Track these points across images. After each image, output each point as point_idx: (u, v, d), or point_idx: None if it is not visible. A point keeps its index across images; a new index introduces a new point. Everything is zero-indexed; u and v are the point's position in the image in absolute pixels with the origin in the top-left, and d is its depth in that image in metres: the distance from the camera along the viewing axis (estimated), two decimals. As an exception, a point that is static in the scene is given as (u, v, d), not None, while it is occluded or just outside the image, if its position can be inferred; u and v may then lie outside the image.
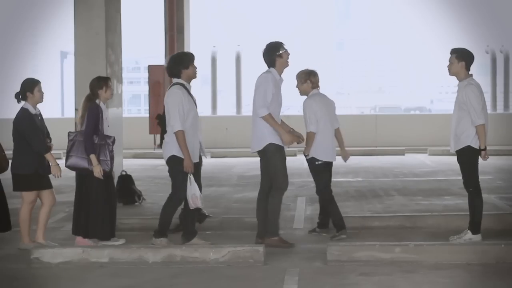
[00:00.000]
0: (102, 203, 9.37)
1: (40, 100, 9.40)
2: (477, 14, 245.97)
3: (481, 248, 8.54)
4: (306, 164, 10.01)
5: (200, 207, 9.24)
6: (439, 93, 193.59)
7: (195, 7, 24.48)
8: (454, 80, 9.53)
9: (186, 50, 21.50)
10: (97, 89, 9.45)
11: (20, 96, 9.38)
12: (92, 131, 9.25)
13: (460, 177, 9.47)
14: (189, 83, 9.37)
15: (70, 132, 9.52)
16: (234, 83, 28.83)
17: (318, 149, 9.84)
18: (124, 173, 13.35)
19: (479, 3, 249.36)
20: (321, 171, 9.86)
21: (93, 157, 9.23)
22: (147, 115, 22.49)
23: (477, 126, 9.18)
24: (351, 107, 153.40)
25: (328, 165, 9.88)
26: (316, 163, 9.83)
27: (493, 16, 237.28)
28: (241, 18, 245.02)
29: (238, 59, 29.21)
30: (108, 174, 9.40)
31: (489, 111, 29.94)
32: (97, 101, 9.41)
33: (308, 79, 10.06)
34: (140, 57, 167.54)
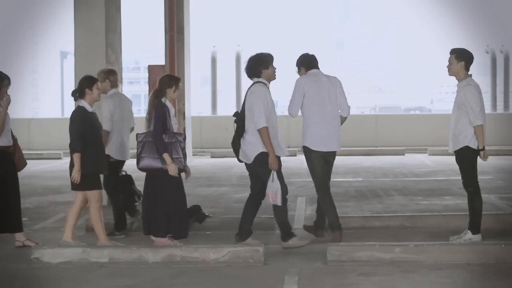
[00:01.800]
0: (176, 201, 9.30)
1: (98, 98, 9.34)
2: (477, 14, 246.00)
3: (481, 248, 8.54)
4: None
5: (279, 204, 9.24)
6: (439, 93, 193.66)
7: (195, 7, 24.49)
8: (454, 80, 9.53)
9: (186, 50, 21.50)
10: (166, 87, 9.32)
11: (77, 94, 9.28)
12: (161, 131, 9.14)
13: (460, 177, 9.48)
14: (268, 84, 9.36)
15: (138, 134, 9.35)
16: (234, 83, 28.84)
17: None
18: (124, 173, 13.32)
19: (479, 3, 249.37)
20: None
21: (166, 156, 9.12)
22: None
23: (475, 126, 9.18)
24: (351, 107, 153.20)
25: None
26: None
27: (493, 16, 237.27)
28: (241, 18, 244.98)
29: (238, 59, 29.22)
30: (182, 172, 9.32)
31: (489, 111, 29.91)
32: (163, 99, 9.31)
33: (107, 78, 10.25)
34: (140, 57, 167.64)
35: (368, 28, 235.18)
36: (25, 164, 9.71)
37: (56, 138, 23.56)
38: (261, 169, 9.25)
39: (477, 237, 9.27)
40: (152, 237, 9.31)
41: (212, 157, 23.30)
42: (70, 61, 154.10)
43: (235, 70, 29.04)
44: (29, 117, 23.59)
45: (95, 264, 8.51)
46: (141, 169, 9.32)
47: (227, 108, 44.30)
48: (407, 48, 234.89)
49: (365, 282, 7.71)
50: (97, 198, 9.28)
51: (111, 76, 10.45)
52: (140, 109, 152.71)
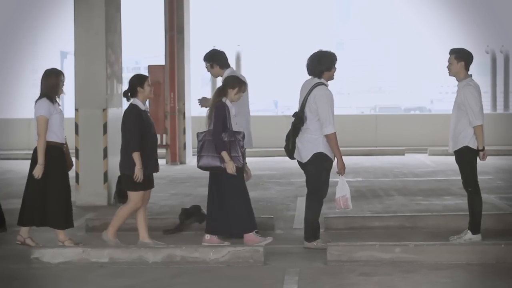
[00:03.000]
0: (239, 199, 9.28)
1: (150, 95, 9.29)
2: (477, 14, 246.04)
3: (481, 248, 8.54)
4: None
5: (350, 208, 9.29)
6: (439, 93, 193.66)
7: (195, 7, 24.48)
8: (454, 80, 9.53)
9: (186, 50, 21.50)
10: (228, 87, 9.32)
11: (129, 93, 9.23)
12: (220, 129, 9.13)
13: (460, 177, 9.48)
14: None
15: (198, 132, 9.35)
16: (234, 83, 28.80)
17: None
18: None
19: (479, 3, 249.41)
20: None
21: (224, 154, 9.10)
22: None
23: (475, 127, 9.18)
24: (351, 107, 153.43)
25: None
26: None
27: (493, 16, 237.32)
28: (241, 18, 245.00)
29: (238, 59, 29.20)
30: (241, 170, 9.30)
31: (489, 111, 29.89)
32: (223, 99, 9.30)
33: None
34: (140, 57, 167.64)
35: (368, 28, 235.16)
36: (71, 165, 9.59)
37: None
38: (312, 168, 9.22)
39: (477, 237, 9.28)
40: (206, 236, 9.29)
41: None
42: (70, 61, 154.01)
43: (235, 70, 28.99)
44: (29, 117, 23.62)
45: (95, 264, 8.51)
46: (201, 167, 9.31)
47: (227, 108, 44.24)
48: (407, 48, 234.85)
49: (365, 282, 7.71)
50: (137, 200, 9.19)
51: None
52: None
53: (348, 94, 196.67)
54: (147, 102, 9.49)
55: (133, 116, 9.12)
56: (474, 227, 9.32)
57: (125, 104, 9.35)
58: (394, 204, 12.73)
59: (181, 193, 14.33)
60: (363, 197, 13.64)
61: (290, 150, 9.33)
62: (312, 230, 9.24)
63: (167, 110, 21.13)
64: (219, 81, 9.82)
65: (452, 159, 9.63)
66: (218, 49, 10.23)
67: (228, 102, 9.28)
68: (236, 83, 9.35)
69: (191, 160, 21.53)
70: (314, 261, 8.56)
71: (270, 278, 7.92)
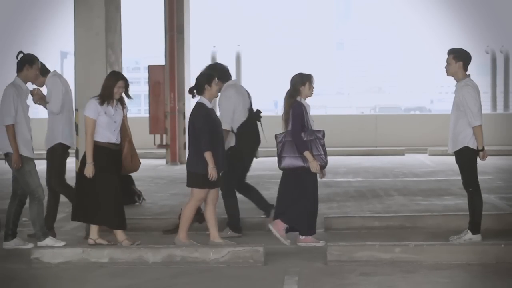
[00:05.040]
0: (313, 199, 9.31)
1: (217, 94, 9.31)
2: (477, 14, 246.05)
3: (481, 248, 8.54)
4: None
5: None
6: (439, 93, 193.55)
7: (195, 7, 24.47)
8: (454, 80, 9.53)
9: (186, 50, 21.52)
10: (299, 86, 9.32)
11: (195, 91, 9.26)
12: (299, 129, 9.15)
13: (460, 177, 9.48)
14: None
15: (277, 134, 9.39)
16: (234, 83, 28.83)
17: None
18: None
19: (479, 3, 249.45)
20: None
21: (307, 153, 9.13)
22: (147, 115, 22.46)
23: (474, 127, 9.18)
24: (351, 107, 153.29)
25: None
26: None
27: (493, 16, 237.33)
28: (241, 18, 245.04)
29: (238, 59, 29.23)
30: (324, 168, 9.31)
31: (489, 111, 29.91)
32: (298, 98, 9.30)
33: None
34: (140, 57, 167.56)
35: (368, 28, 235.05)
36: (135, 168, 9.65)
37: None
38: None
39: (477, 237, 9.27)
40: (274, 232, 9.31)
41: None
42: (70, 61, 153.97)
43: (235, 70, 29.03)
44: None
45: (95, 264, 8.51)
46: (283, 169, 9.32)
47: (227, 108, 44.24)
48: (407, 48, 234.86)
49: (365, 282, 7.71)
50: (200, 197, 9.20)
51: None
52: (140, 109, 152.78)
53: (348, 94, 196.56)
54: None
55: (202, 115, 9.12)
56: (474, 227, 9.32)
57: (187, 100, 9.34)
58: (394, 204, 12.73)
59: (181, 193, 14.31)
60: (363, 197, 13.64)
61: None
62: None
63: (167, 110, 21.15)
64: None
65: (452, 159, 9.63)
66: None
67: (303, 100, 9.28)
68: (305, 79, 9.34)
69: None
70: (314, 261, 8.56)
71: (270, 278, 7.92)
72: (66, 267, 8.48)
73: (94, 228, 9.49)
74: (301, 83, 9.33)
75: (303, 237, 9.35)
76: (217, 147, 9.10)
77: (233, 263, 8.43)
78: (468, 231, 9.34)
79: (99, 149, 9.27)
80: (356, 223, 10.58)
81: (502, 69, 30.07)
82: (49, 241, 9.37)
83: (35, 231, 9.44)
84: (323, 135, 9.28)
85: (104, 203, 9.33)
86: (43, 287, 8.11)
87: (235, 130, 10.04)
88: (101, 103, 9.30)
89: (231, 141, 10.09)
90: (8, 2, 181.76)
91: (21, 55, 9.62)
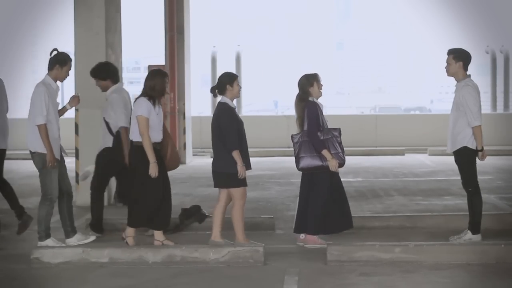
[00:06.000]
0: (332, 199, 9.30)
1: (238, 94, 9.27)
2: (477, 14, 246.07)
3: (481, 248, 8.55)
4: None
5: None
6: (439, 93, 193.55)
7: (195, 7, 24.48)
8: (454, 80, 9.52)
9: (186, 50, 21.49)
10: (307, 87, 9.32)
11: (217, 90, 9.21)
12: (316, 129, 9.15)
13: (460, 177, 9.48)
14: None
15: (293, 135, 9.37)
16: (234, 83, 28.81)
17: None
18: (124, 173, 13.33)
19: (479, 3, 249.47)
20: None
21: (325, 152, 9.14)
22: (147, 115, 22.44)
23: (473, 127, 9.18)
24: (351, 107, 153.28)
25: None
26: None
27: (493, 16, 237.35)
28: (241, 18, 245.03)
29: (238, 59, 29.20)
30: (342, 166, 9.32)
31: (489, 111, 29.84)
32: (310, 98, 9.30)
33: None
34: (140, 57, 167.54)
35: (368, 28, 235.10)
36: (175, 165, 9.50)
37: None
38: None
39: (477, 237, 9.28)
40: (301, 236, 9.35)
41: (212, 157, 23.26)
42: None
43: (235, 70, 29.02)
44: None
45: (95, 264, 8.51)
46: (302, 169, 9.31)
47: (227, 108, 44.24)
48: (407, 48, 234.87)
49: (365, 282, 7.71)
50: (241, 195, 9.16)
51: None
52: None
53: (348, 94, 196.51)
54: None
55: (227, 115, 9.09)
56: (474, 227, 9.32)
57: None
58: (394, 204, 12.73)
59: (181, 193, 14.33)
60: (363, 197, 13.64)
61: None
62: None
63: (167, 110, 21.13)
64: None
65: (452, 159, 9.64)
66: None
67: (317, 100, 9.29)
68: (311, 79, 9.34)
69: (191, 160, 21.54)
70: (314, 261, 8.57)
71: (270, 278, 7.92)
72: (66, 267, 8.48)
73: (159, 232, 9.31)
74: (308, 84, 9.33)
75: (303, 236, 9.34)
76: (242, 145, 9.10)
77: (233, 263, 8.43)
78: (468, 231, 9.34)
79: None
80: (356, 223, 10.57)
81: (502, 69, 30.05)
82: (50, 242, 9.37)
83: (38, 230, 9.43)
84: (340, 133, 9.31)
85: (165, 205, 9.20)
86: (43, 287, 8.11)
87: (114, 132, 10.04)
88: (154, 103, 9.17)
89: (108, 142, 10.05)
90: (8, 2, 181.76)
91: (55, 52, 9.49)
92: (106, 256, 8.56)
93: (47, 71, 9.46)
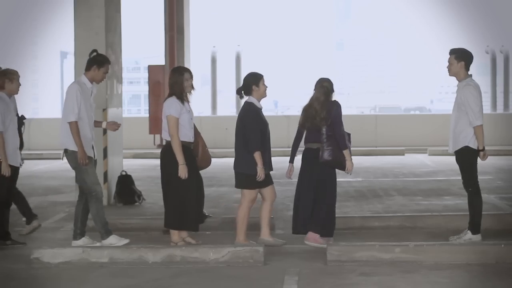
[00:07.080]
0: (330, 200, 9.34)
1: (265, 94, 9.22)
2: (477, 14, 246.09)
3: (481, 248, 8.55)
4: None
5: None
6: (439, 93, 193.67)
7: (195, 7, 24.51)
8: (454, 80, 9.53)
9: (186, 50, 21.49)
10: (331, 93, 9.36)
11: (243, 91, 9.19)
12: (343, 127, 9.27)
13: (460, 177, 9.48)
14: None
15: (322, 127, 9.34)
16: (234, 83, 28.83)
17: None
18: (124, 173, 13.35)
19: (479, 3, 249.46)
20: None
21: (347, 152, 9.28)
22: (147, 115, 22.48)
23: (475, 127, 9.18)
24: (351, 107, 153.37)
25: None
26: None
27: (493, 16, 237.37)
28: (241, 18, 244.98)
29: (238, 59, 29.20)
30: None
31: (489, 111, 29.83)
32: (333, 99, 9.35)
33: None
34: (140, 57, 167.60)
35: (368, 28, 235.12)
36: (207, 164, 9.48)
37: (56, 138, 23.50)
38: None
39: (477, 237, 9.28)
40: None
41: (212, 157, 23.25)
42: (70, 61, 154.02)
43: (235, 70, 29.02)
44: (29, 117, 23.52)
45: (95, 264, 8.51)
46: (326, 161, 9.24)
47: (227, 108, 44.32)
48: (407, 48, 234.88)
49: (365, 282, 7.71)
50: (252, 197, 9.19)
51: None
52: (140, 109, 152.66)
53: (348, 94, 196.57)
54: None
55: (252, 115, 9.07)
56: (474, 227, 9.32)
57: (225, 99, 9.27)
58: (394, 204, 12.73)
59: (181, 193, 14.31)
60: (363, 197, 13.64)
61: None
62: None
63: (167, 110, 21.13)
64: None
65: (452, 159, 9.63)
66: None
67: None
68: (332, 85, 9.40)
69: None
70: (314, 261, 8.57)
71: (270, 278, 7.92)
72: (66, 267, 8.48)
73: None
74: (332, 90, 9.36)
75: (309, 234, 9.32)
76: (265, 146, 9.10)
77: (233, 263, 8.43)
78: (468, 231, 9.34)
79: (184, 149, 9.02)
80: (356, 223, 10.59)
81: (502, 69, 30.06)
82: (112, 239, 9.32)
83: (97, 229, 9.39)
84: (349, 139, 9.38)
85: (198, 205, 9.18)
86: (43, 287, 8.11)
87: None
88: (182, 102, 9.13)
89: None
90: (8, 2, 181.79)
91: (94, 54, 9.50)
92: (106, 256, 8.56)
93: (83, 72, 9.45)
